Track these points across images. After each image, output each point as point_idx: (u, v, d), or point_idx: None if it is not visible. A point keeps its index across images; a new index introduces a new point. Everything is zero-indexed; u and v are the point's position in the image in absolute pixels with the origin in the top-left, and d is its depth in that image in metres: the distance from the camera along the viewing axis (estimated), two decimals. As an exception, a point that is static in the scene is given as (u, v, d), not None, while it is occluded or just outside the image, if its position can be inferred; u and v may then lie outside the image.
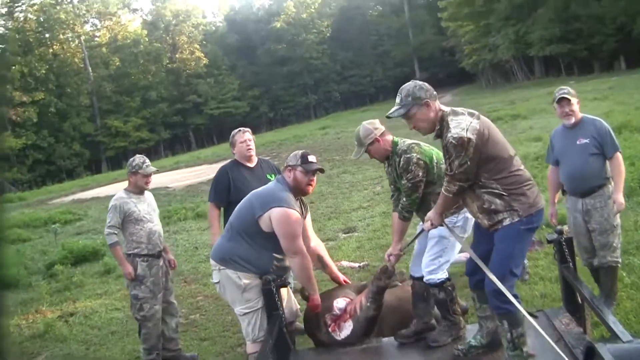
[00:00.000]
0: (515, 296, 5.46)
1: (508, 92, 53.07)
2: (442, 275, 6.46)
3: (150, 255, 8.11)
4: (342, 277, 7.36)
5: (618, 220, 7.51)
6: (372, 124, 6.55)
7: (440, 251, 6.46)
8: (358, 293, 7.15)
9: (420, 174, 6.26)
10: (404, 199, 6.41)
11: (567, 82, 50.40)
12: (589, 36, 58.66)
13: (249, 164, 8.35)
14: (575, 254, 6.65)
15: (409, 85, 5.59)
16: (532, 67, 69.15)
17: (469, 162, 5.25)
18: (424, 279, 6.50)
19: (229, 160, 8.76)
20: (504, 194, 5.36)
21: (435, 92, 5.56)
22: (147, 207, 8.24)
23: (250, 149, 8.34)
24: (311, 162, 6.59)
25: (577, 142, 7.43)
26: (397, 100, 5.56)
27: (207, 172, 30.97)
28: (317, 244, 7.14)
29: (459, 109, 5.53)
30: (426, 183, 6.35)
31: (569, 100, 7.43)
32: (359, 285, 7.56)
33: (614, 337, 4.76)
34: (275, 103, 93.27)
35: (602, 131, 7.41)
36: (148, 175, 8.23)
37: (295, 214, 6.29)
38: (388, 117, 5.69)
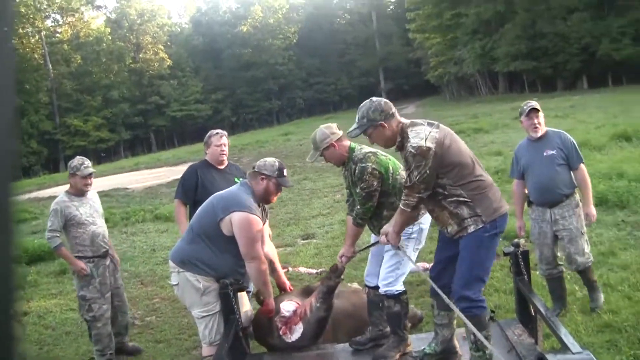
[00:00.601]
0: (481, 300, 5.60)
1: (471, 106, 53.59)
2: (400, 287, 6.43)
3: (96, 257, 8.13)
4: (288, 284, 7.40)
5: (585, 227, 7.82)
6: (330, 129, 6.55)
7: (397, 263, 6.40)
8: (301, 296, 7.20)
9: (375, 183, 6.25)
10: (358, 207, 6.41)
11: (530, 99, 50.77)
12: (553, 54, 59.44)
13: (219, 166, 8.37)
14: (530, 267, 6.72)
15: (366, 105, 5.66)
16: (496, 82, 69.95)
17: (428, 172, 5.29)
18: (381, 291, 6.47)
19: (198, 160, 8.82)
20: (469, 200, 5.42)
21: (393, 110, 5.62)
22: (89, 210, 8.18)
23: (224, 153, 8.36)
24: (285, 177, 6.64)
25: (544, 154, 7.70)
26: (356, 118, 5.66)
27: (167, 174, 30.94)
28: (270, 249, 7.14)
29: (419, 120, 5.61)
30: (381, 192, 6.34)
31: (538, 111, 7.72)
32: (302, 288, 7.66)
33: (565, 348, 4.83)
34: (238, 107, 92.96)
35: (567, 143, 7.73)
36: (86, 177, 8.12)
37: (256, 219, 6.28)
38: (349, 136, 5.75)
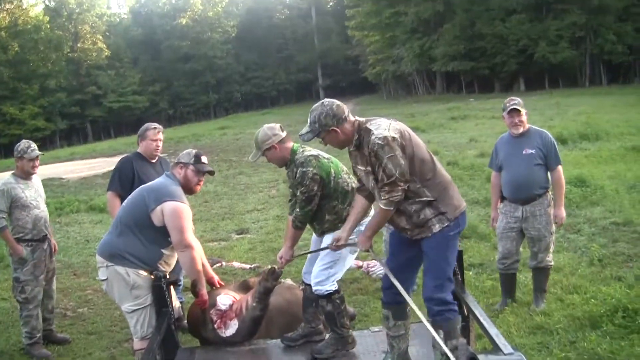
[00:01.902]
0: (454, 303, 5.51)
1: (408, 105, 53.80)
2: (331, 287, 6.42)
3: (35, 240, 8.26)
4: (216, 278, 7.34)
5: (554, 227, 8.01)
6: (272, 130, 6.47)
7: (332, 262, 6.41)
8: (239, 290, 7.27)
9: (315, 188, 6.26)
10: (298, 210, 6.43)
11: (467, 100, 51.40)
12: (491, 55, 60.24)
13: (151, 160, 8.45)
14: (464, 267, 6.76)
15: (317, 110, 5.42)
16: (433, 82, 70.51)
17: (402, 161, 5.13)
18: (312, 289, 6.49)
19: (131, 152, 8.83)
20: (432, 199, 5.29)
21: (345, 114, 5.36)
22: (34, 193, 8.33)
23: (158, 148, 8.50)
24: (203, 163, 6.64)
25: (523, 152, 7.87)
26: (308, 121, 5.45)
27: (102, 165, 30.52)
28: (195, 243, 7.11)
29: (374, 117, 5.47)
30: (323, 196, 6.36)
31: (519, 111, 7.91)
32: (240, 283, 7.70)
33: (496, 349, 4.87)
34: (176, 100, 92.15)
35: (547, 143, 7.94)
36: (33, 160, 8.23)
37: (186, 208, 6.34)
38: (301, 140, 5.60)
